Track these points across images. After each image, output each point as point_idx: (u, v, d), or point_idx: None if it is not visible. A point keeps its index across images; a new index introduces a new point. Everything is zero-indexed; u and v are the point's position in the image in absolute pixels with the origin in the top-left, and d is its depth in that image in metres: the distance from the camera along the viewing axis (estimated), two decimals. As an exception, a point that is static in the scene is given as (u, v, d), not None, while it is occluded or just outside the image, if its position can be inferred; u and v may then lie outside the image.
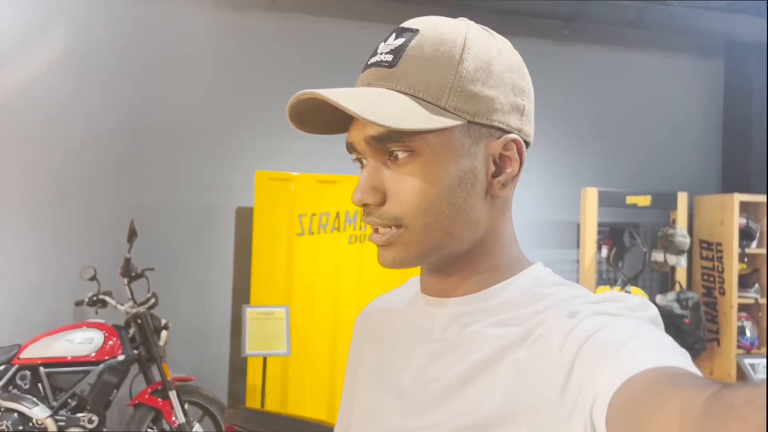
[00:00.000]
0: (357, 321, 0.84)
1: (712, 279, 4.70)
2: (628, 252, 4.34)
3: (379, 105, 0.61)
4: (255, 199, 3.88)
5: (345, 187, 3.93)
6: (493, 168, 0.66)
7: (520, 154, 0.66)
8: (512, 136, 0.66)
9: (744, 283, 4.62)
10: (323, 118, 0.67)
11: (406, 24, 0.67)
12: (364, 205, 0.66)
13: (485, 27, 0.68)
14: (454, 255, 0.67)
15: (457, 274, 0.69)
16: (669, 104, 4.99)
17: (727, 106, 5.07)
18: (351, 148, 0.67)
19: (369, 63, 0.66)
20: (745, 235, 4.59)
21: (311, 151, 4.06)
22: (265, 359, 3.56)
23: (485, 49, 0.65)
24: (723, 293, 4.60)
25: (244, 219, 4.11)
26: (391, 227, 0.65)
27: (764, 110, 4.83)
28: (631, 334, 0.54)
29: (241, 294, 4.06)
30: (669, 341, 0.53)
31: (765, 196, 4.60)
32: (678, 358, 0.51)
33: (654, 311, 0.60)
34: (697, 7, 4.50)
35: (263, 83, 4.18)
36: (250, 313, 3.57)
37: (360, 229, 3.96)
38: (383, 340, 0.76)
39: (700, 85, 5.08)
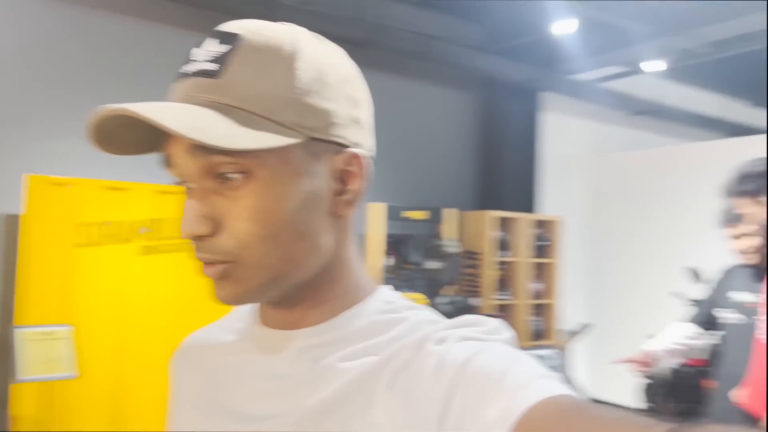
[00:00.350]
0: (175, 358, 0.74)
1: (473, 283, 5.37)
2: (448, 261, 4.80)
3: (206, 122, 0.53)
4: (27, 207, 3.44)
5: (137, 195, 3.69)
6: (336, 186, 0.60)
7: (363, 169, 0.61)
8: (354, 150, 0.60)
9: (500, 286, 5.36)
10: (132, 137, 0.57)
11: (226, 28, 0.58)
12: (196, 238, 0.57)
13: (316, 33, 0.62)
14: (299, 284, 0.60)
15: (302, 304, 0.62)
16: (442, 131, 5.60)
17: (485, 136, 5.83)
18: (169, 163, 0.58)
19: (186, 72, 0.57)
20: (501, 245, 5.35)
21: (96, 155, 3.70)
22: (43, 384, 3.17)
23: (317, 58, 0.58)
24: (483, 296, 5.28)
25: (9, 229, 3.61)
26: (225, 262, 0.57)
27: (514, 140, 5.70)
28: (508, 360, 0.52)
29: (4, 313, 3.56)
30: (542, 366, 0.53)
31: (515, 213, 5.43)
32: (563, 385, 0.50)
33: (512, 333, 0.59)
34: (466, 46, 5.15)
35: (38, 77, 3.74)
36: (23, 333, 3.15)
37: (154, 239, 3.75)
38: (215, 377, 0.66)
39: (467, 115, 5.77)
